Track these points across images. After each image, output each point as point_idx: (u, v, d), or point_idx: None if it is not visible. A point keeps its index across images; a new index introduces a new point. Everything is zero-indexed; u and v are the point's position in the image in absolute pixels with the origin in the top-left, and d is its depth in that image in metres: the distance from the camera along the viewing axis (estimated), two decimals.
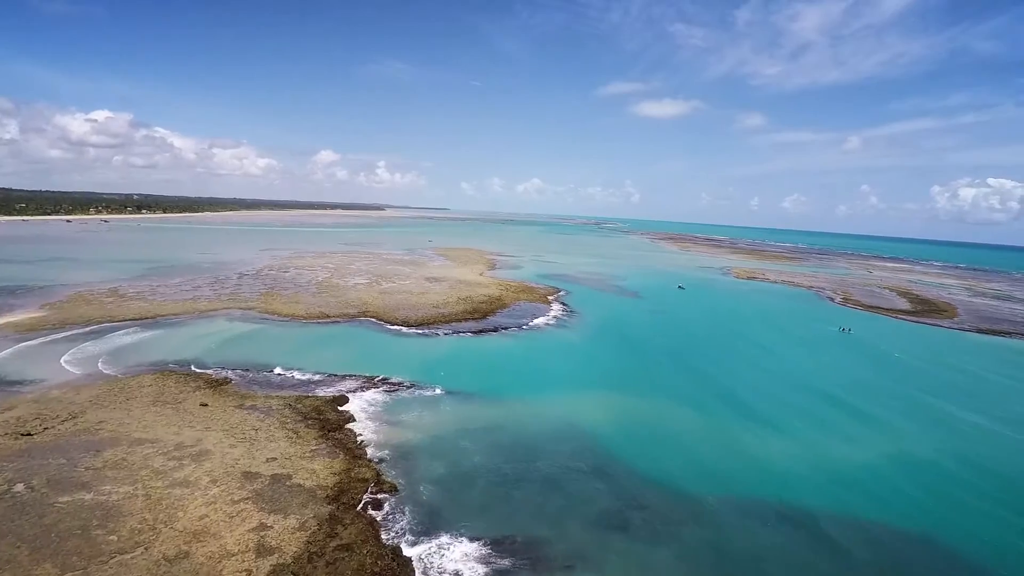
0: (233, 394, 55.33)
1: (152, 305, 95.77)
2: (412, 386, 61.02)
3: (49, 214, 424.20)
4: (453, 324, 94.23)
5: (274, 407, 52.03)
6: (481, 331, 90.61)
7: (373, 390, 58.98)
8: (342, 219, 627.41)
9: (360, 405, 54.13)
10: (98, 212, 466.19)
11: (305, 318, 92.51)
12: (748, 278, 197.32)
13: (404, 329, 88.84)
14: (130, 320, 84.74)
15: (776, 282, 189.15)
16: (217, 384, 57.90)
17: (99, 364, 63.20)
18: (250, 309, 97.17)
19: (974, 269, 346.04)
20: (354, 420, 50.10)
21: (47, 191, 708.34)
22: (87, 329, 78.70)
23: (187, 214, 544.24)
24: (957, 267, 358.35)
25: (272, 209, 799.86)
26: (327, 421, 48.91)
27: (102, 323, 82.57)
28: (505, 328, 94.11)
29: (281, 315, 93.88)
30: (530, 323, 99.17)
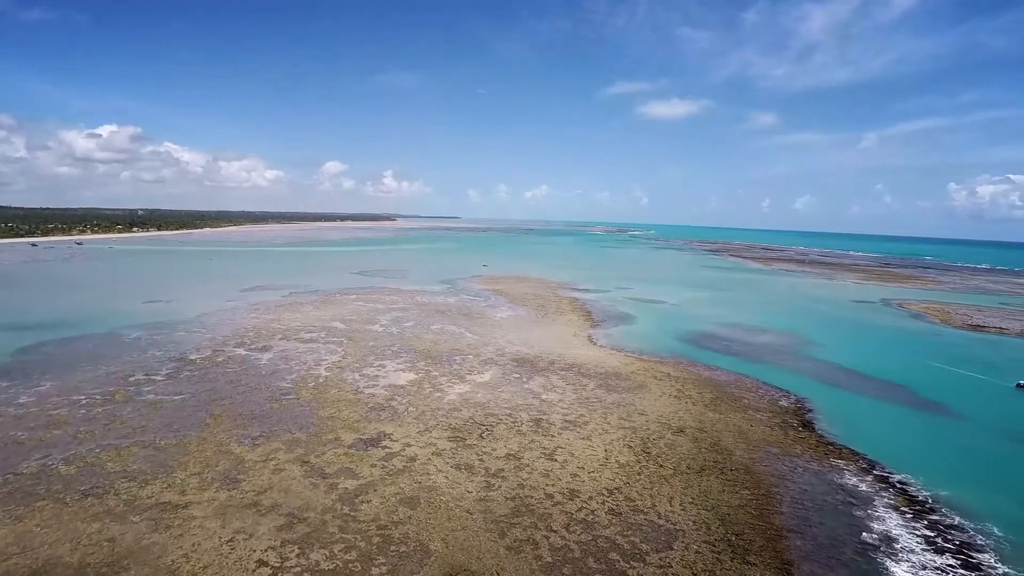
0: None
1: None
2: None
3: (23, 235, 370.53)
4: None
5: None
6: None
7: None
8: (352, 232, 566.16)
9: None
10: (81, 232, 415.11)
11: None
12: (971, 327, 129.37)
13: None
14: None
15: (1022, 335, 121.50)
16: None
17: None
18: None
19: None
20: None
21: (54, 208, 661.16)
22: None
23: (184, 231, 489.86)
24: None
25: (279, 222, 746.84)
26: None
27: None
28: None
29: None
30: None
